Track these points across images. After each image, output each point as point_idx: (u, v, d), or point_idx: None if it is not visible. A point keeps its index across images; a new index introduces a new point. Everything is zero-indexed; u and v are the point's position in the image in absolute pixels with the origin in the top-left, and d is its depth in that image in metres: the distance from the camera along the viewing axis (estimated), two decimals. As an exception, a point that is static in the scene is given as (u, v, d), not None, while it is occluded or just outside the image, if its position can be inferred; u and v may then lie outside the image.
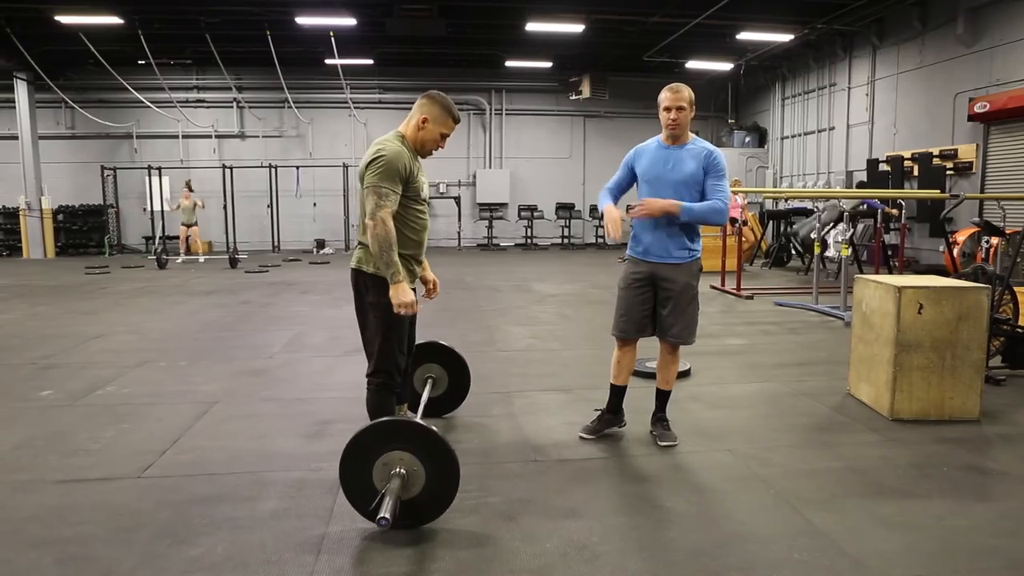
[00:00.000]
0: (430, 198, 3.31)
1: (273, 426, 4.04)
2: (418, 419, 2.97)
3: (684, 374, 5.06)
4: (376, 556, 2.57)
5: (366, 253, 3.05)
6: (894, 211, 9.99)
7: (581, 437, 3.81)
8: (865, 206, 10.20)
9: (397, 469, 2.66)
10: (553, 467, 3.42)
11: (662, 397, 3.84)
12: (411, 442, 2.68)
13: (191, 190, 14.53)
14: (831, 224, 10.04)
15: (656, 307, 3.63)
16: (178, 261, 14.53)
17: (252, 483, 3.21)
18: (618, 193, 3.74)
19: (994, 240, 6.17)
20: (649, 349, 4.11)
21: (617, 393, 3.84)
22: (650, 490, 3.15)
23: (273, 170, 16.71)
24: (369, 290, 3.06)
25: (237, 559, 2.54)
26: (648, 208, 3.47)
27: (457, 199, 17.78)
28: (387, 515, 2.46)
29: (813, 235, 8.60)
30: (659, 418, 3.83)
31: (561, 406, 4.42)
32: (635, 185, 3.73)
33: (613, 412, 3.87)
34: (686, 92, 3.50)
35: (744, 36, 13.41)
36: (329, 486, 3.14)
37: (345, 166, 17.18)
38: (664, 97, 3.53)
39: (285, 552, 2.59)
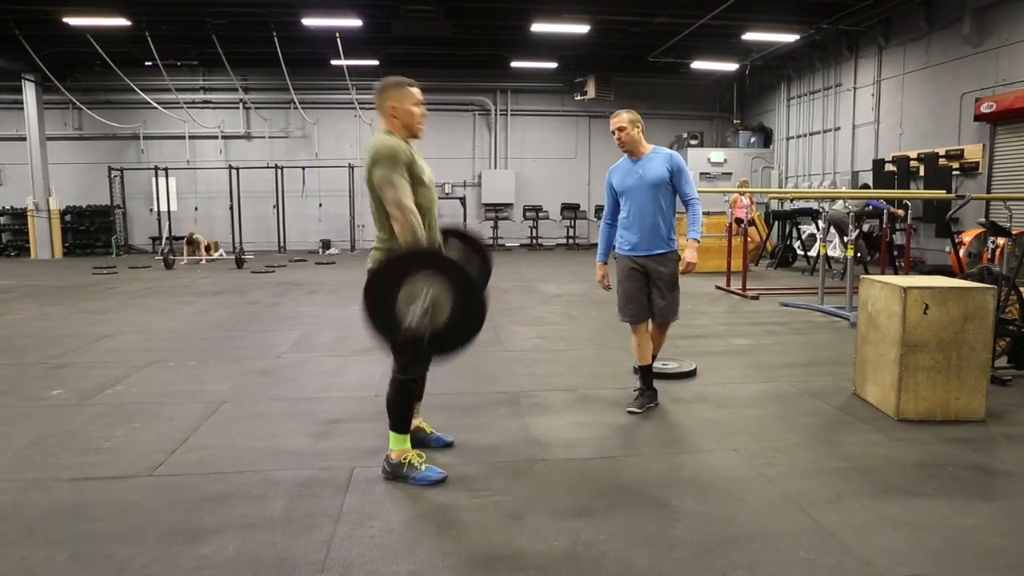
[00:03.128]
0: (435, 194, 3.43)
1: (282, 425, 4.07)
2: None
3: (690, 374, 5.09)
4: (385, 553, 2.60)
5: (382, 255, 3.10)
6: (900, 211, 9.97)
7: (630, 412, 4.20)
8: (871, 207, 10.18)
9: (425, 291, 2.80)
10: (560, 466, 3.45)
11: (647, 372, 4.34)
12: (437, 269, 2.82)
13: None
14: (840, 229, 9.99)
15: (650, 292, 4.25)
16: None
17: (261, 482, 3.24)
18: (614, 219, 4.37)
19: (1000, 241, 6.13)
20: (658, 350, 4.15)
21: (646, 371, 4.34)
22: (656, 489, 3.17)
23: (279, 171, 16.77)
24: None
25: (247, 556, 2.57)
26: (693, 264, 4.17)
27: (463, 199, 17.79)
28: (414, 323, 2.73)
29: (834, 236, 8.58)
30: (642, 391, 4.32)
31: (567, 406, 4.44)
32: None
33: (649, 387, 4.36)
34: (624, 115, 4.19)
35: (749, 36, 13.40)
36: (338, 485, 3.17)
37: (351, 167, 17.22)
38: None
39: (295, 549, 2.62)
